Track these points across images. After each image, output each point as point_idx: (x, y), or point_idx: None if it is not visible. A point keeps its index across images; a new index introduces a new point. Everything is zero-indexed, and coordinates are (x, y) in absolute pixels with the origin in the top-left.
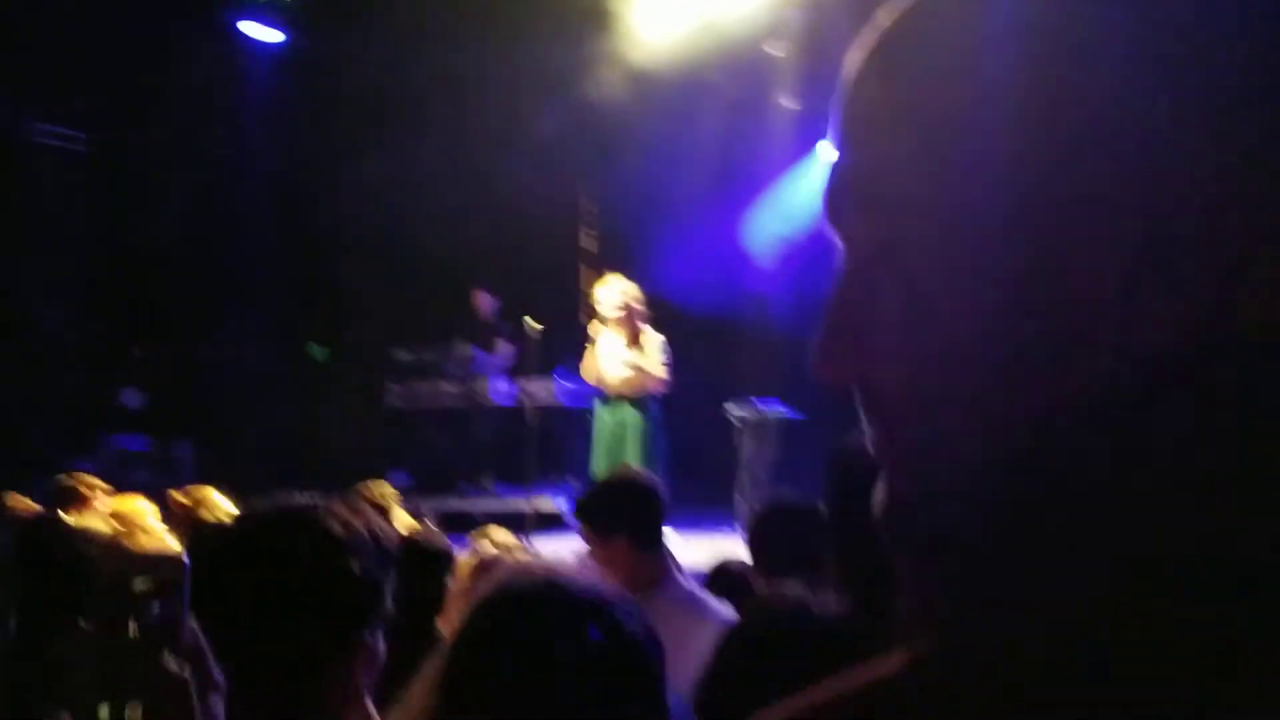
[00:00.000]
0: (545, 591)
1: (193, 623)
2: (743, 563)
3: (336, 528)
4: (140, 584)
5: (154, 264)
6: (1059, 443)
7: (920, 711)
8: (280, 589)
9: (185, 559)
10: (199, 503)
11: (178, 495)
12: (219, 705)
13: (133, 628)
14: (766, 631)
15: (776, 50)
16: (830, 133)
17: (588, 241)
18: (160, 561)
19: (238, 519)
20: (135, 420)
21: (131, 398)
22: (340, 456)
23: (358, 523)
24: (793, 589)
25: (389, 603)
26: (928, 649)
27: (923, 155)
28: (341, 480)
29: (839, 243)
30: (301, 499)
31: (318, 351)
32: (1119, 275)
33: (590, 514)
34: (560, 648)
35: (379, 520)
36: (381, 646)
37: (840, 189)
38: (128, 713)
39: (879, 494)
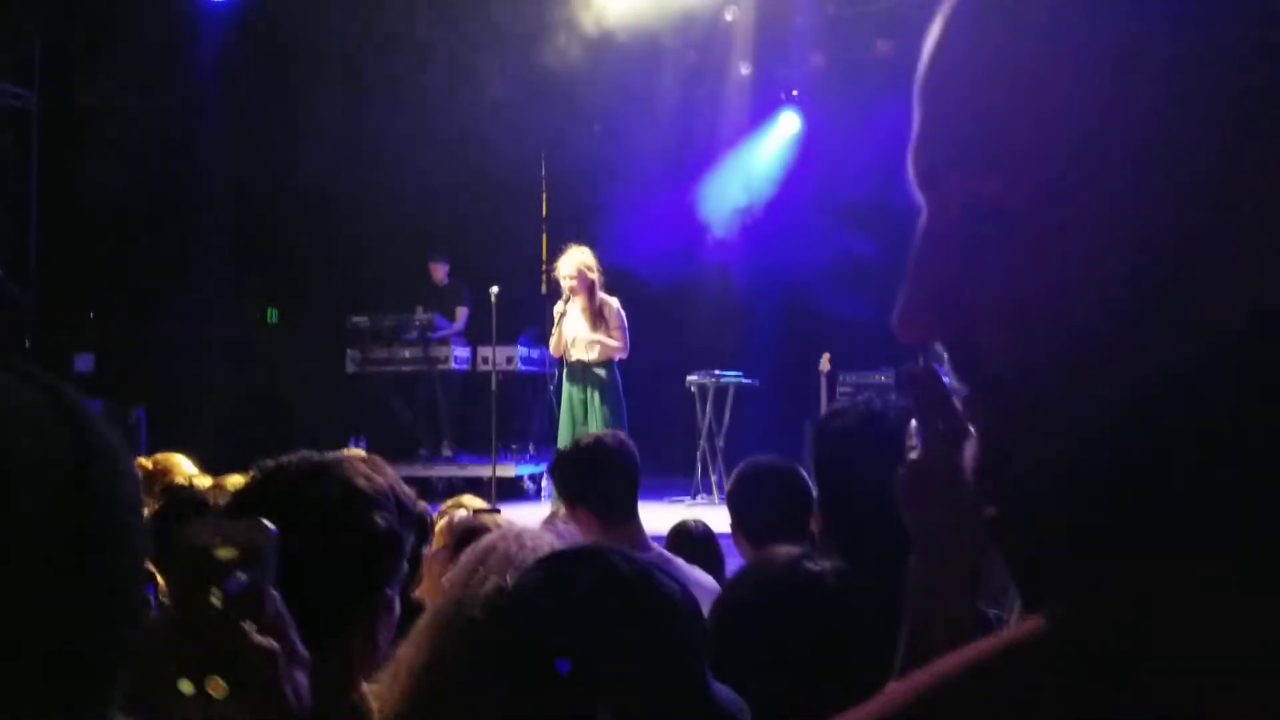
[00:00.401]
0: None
1: (276, 594)
2: (701, 522)
3: (361, 481)
4: (223, 552)
5: (106, 226)
6: (1165, 404)
7: (1069, 680)
8: (304, 540)
9: (272, 527)
10: (167, 469)
11: (144, 461)
12: (303, 680)
13: (215, 598)
14: (764, 590)
15: (733, 16)
16: (918, 89)
17: (547, 207)
18: (245, 528)
19: (259, 469)
20: (88, 385)
21: (84, 361)
22: (298, 422)
23: (380, 479)
24: (785, 550)
25: (404, 560)
26: (1059, 614)
27: (1038, 109)
28: (297, 447)
29: (927, 201)
30: (324, 455)
31: (272, 314)
32: (1231, 242)
33: (559, 482)
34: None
35: (400, 481)
36: (397, 605)
37: (937, 146)
38: (209, 687)
39: (970, 451)
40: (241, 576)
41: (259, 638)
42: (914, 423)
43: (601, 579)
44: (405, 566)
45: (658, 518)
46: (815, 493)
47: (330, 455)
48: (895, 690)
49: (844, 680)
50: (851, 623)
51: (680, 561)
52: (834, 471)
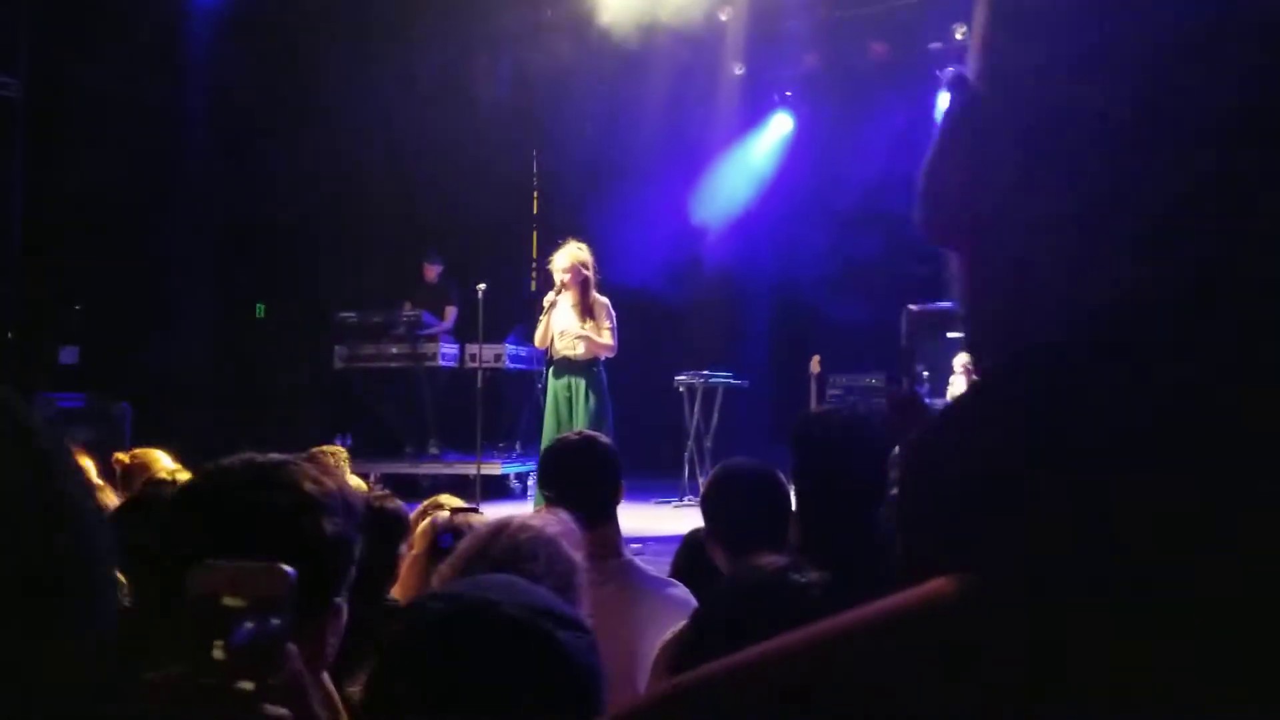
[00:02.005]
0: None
1: (294, 649)
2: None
3: (308, 485)
4: (232, 600)
5: (92, 217)
6: (1152, 319)
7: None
8: (249, 549)
9: (290, 572)
10: (146, 464)
11: (123, 456)
12: None
13: (218, 653)
14: (747, 602)
15: (726, 16)
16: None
17: (538, 206)
18: (259, 573)
19: (202, 471)
20: (72, 377)
21: (69, 354)
22: (283, 418)
23: (328, 481)
24: (769, 560)
25: (352, 565)
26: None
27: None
28: (284, 442)
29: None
30: (268, 457)
31: (260, 309)
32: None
33: (540, 481)
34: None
35: (347, 483)
36: (345, 613)
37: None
38: None
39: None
40: (250, 626)
41: (269, 708)
42: (898, 450)
43: (485, 634)
44: (354, 572)
45: (645, 519)
46: (794, 496)
47: (275, 457)
48: (811, 633)
49: None
50: None
51: (648, 571)
52: (814, 481)
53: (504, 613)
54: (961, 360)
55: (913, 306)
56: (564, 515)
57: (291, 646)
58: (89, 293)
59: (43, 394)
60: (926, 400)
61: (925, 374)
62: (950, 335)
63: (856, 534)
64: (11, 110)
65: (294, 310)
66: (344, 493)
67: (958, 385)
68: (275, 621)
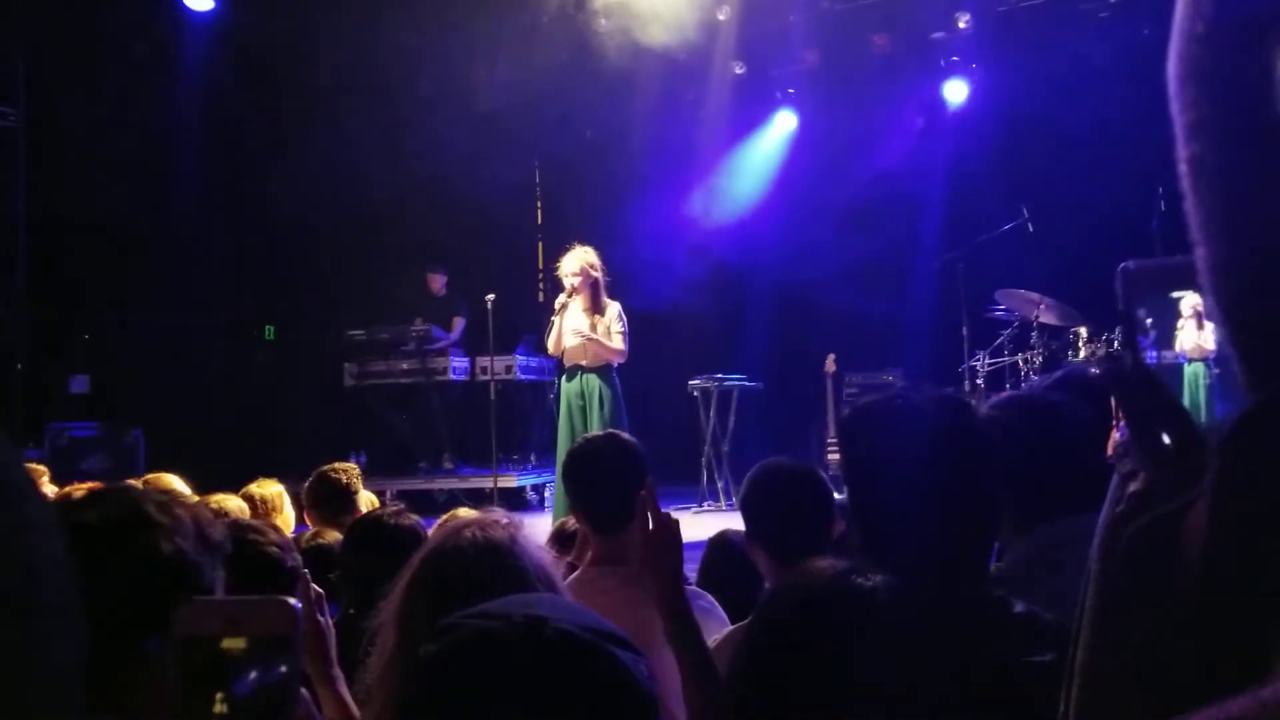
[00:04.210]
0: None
1: (306, 696)
2: (742, 533)
3: (150, 507)
4: (231, 642)
5: (97, 245)
6: None
7: None
8: (80, 562)
9: (296, 606)
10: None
11: (135, 483)
12: None
13: (220, 706)
14: (808, 608)
15: (725, 15)
16: None
17: (542, 215)
18: (261, 609)
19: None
20: (84, 407)
21: (79, 384)
22: (296, 439)
23: (180, 510)
24: (828, 563)
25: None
26: None
27: None
28: (298, 463)
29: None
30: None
31: (269, 331)
32: None
33: (566, 483)
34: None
35: (204, 511)
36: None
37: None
38: None
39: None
40: (254, 674)
41: None
42: (1118, 436)
43: (543, 653)
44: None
45: None
46: (846, 499)
47: (119, 484)
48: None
49: (899, 706)
50: (908, 644)
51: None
52: (870, 476)
53: (562, 630)
54: (1191, 303)
55: (1129, 264)
56: (505, 518)
57: (305, 694)
58: (97, 321)
59: (55, 424)
60: (1150, 359)
61: (1150, 323)
62: (1175, 295)
63: (918, 535)
64: (12, 140)
65: (303, 330)
66: (199, 520)
67: (1188, 333)
68: (282, 667)
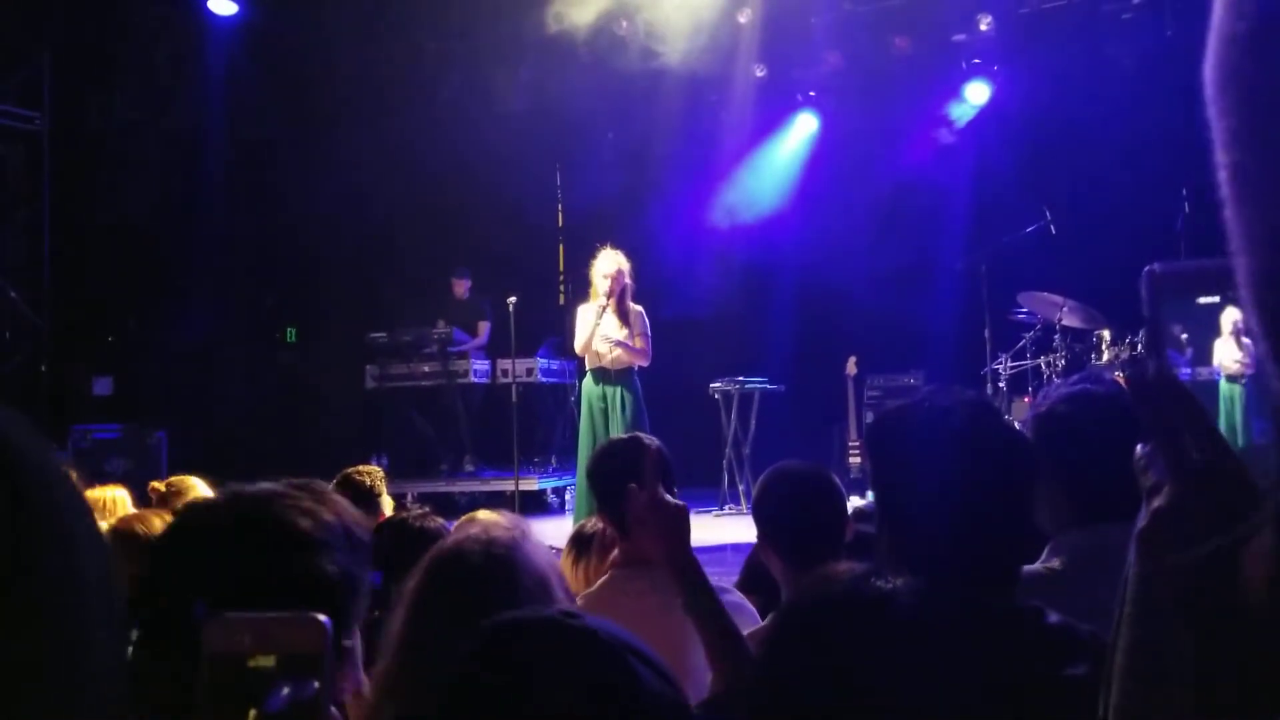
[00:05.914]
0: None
1: (337, 715)
2: None
3: (304, 521)
4: (262, 659)
5: (121, 248)
6: None
7: None
8: (241, 595)
9: (326, 623)
10: (181, 491)
11: (158, 485)
12: None
13: None
14: (827, 612)
15: (745, 18)
16: None
17: (563, 217)
18: (291, 625)
19: (185, 511)
20: (107, 409)
21: (103, 385)
22: (319, 441)
23: (326, 513)
24: (847, 566)
25: (364, 602)
26: None
27: None
28: (320, 465)
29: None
30: (260, 487)
31: (291, 333)
32: None
33: (592, 484)
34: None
35: (350, 508)
36: (360, 649)
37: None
38: None
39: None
40: (285, 692)
41: None
42: (1142, 448)
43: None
44: (364, 606)
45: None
46: (874, 505)
47: (265, 488)
48: None
49: (924, 715)
50: (932, 650)
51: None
52: (899, 482)
53: (593, 636)
54: (1231, 317)
55: (1155, 267)
56: (510, 520)
57: (335, 712)
58: (120, 323)
59: (78, 426)
60: (1184, 376)
61: (1185, 339)
62: (1202, 301)
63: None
64: (37, 143)
65: (325, 332)
66: (346, 523)
67: (1226, 349)
68: (314, 684)
